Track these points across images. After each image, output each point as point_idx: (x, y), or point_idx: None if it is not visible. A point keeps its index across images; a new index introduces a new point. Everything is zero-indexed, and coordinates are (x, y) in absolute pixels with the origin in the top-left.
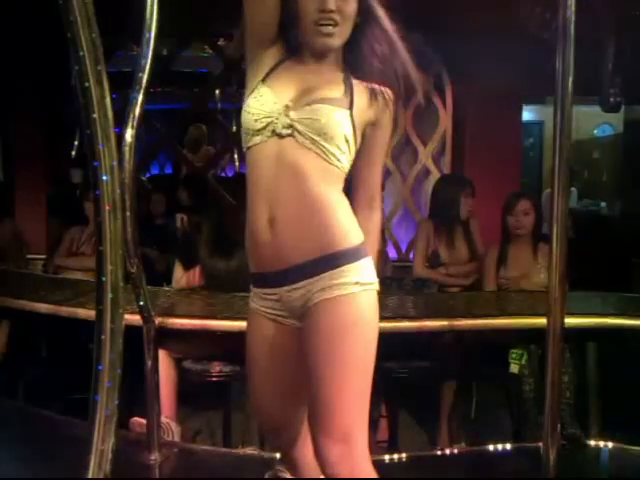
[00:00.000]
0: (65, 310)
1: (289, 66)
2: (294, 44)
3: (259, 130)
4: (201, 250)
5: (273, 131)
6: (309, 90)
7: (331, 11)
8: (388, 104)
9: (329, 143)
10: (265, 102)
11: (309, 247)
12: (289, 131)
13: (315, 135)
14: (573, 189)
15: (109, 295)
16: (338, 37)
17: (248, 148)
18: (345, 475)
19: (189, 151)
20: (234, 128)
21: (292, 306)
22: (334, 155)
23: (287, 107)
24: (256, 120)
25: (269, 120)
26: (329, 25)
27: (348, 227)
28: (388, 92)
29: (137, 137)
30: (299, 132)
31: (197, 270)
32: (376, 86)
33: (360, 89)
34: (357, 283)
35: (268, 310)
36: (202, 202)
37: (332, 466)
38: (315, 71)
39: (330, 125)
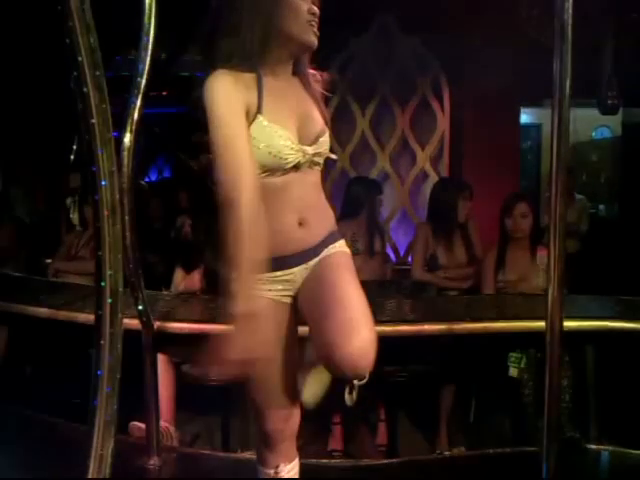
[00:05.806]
0: (64, 315)
1: (270, 85)
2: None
3: (287, 169)
4: (207, 253)
5: (295, 166)
6: (307, 117)
7: (317, 15)
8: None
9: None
10: (286, 143)
11: (326, 229)
12: (308, 163)
13: (323, 161)
14: (582, 197)
15: (108, 300)
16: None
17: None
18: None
19: (189, 157)
20: None
21: (300, 282)
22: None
23: (305, 145)
24: (287, 162)
25: (297, 161)
26: (315, 27)
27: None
28: None
29: (135, 141)
30: (315, 163)
31: (197, 274)
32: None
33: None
34: None
35: (268, 293)
36: (201, 206)
37: (370, 351)
38: (289, 83)
39: (328, 150)
